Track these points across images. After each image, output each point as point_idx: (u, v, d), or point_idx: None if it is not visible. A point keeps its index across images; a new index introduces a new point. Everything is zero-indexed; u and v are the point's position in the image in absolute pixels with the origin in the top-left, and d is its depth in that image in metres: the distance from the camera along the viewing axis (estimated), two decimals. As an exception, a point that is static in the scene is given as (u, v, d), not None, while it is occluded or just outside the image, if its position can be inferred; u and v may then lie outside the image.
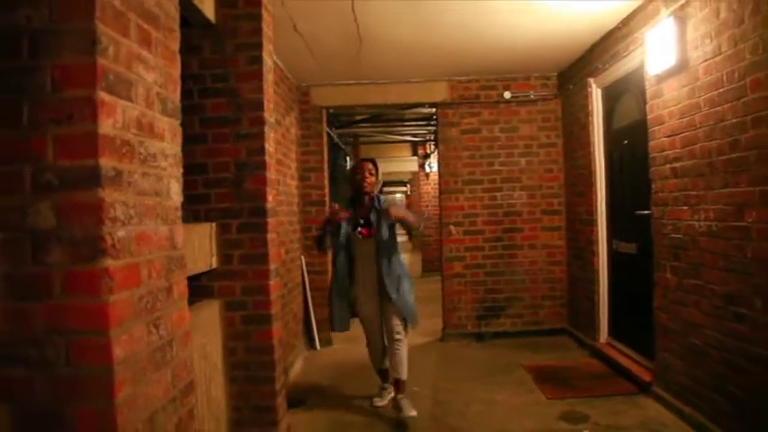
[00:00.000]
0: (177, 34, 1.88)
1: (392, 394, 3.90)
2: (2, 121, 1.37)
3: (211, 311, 2.95)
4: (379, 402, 3.96)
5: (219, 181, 3.09)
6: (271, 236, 3.12)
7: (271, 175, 3.17)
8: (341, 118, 7.61)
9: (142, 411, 1.52)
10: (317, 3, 3.53)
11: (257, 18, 3.08)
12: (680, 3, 3.25)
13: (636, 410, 3.62)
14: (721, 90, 2.91)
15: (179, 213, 1.84)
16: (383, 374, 4.05)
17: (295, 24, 3.84)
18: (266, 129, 3.10)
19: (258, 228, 3.08)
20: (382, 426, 3.60)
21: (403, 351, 3.74)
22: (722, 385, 3.00)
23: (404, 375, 3.74)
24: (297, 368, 4.84)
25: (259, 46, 3.08)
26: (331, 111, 6.00)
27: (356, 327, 4.01)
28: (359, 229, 3.78)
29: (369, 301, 3.82)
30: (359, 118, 7.79)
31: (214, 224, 3.05)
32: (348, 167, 3.86)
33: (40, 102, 1.37)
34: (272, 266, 3.15)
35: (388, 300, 3.72)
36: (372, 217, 3.79)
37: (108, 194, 1.39)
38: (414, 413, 3.59)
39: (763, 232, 2.64)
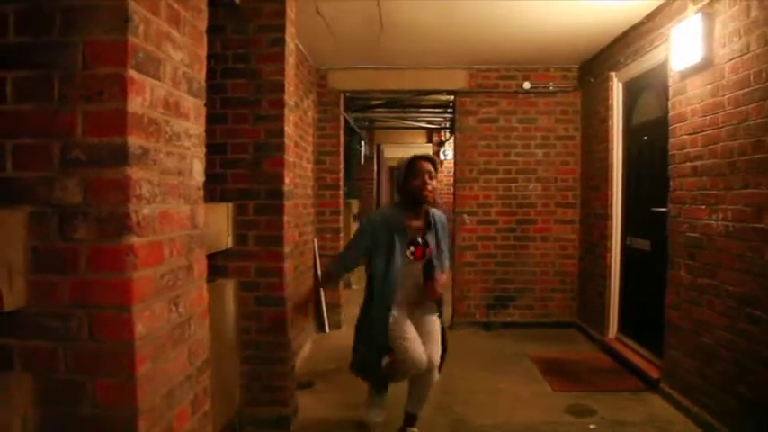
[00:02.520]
0: (205, 14, 1.88)
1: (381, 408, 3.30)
2: (32, 95, 1.39)
3: (226, 291, 2.98)
4: (377, 418, 3.28)
5: (237, 161, 3.11)
6: (287, 218, 3.15)
7: (289, 157, 3.18)
8: (356, 102, 7.58)
9: (161, 387, 1.56)
10: (340, -15, 3.52)
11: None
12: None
13: (643, 407, 3.62)
14: (747, 90, 2.87)
15: (201, 193, 1.86)
16: (386, 384, 3.29)
17: (317, 6, 3.82)
18: (286, 111, 3.11)
19: (275, 210, 3.11)
20: (398, 406, 3.62)
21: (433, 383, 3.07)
22: (731, 385, 2.99)
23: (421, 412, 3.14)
24: (306, 350, 4.88)
25: (282, 28, 3.08)
26: (348, 95, 5.98)
27: (357, 307, 3.76)
28: (411, 248, 2.99)
29: (409, 325, 3.00)
30: (375, 103, 7.76)
31: (231, 204, 3.08)
32: (403, 164, 3.02)
33: (70, 78, 1.39)
34: (287, 249, 3.18)
35: (431, 320, 3.11)
36: (429, 236, 3.04)
37: (135, 172, 1.41)
38: None
39: (781, 235, 2.62)
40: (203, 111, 1.87)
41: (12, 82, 1.39)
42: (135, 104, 1.41)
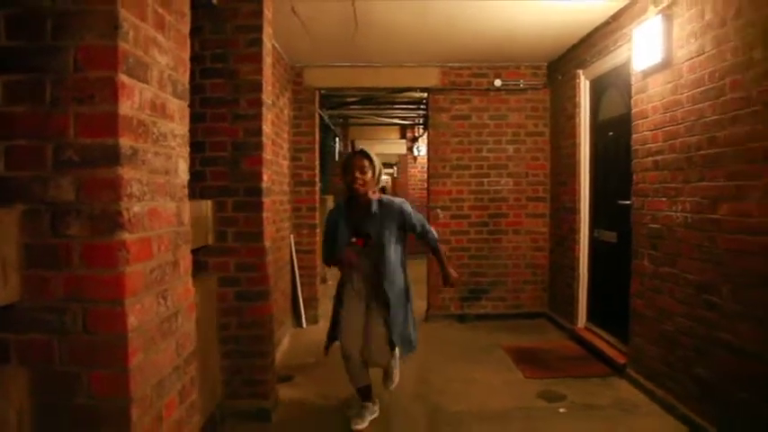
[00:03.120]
0: (188, 18, 1.95)
1: (375, 415, 3.39)
2: (25, 98, 1.45)
3: (207, 287, 3.04)
4: (360, 425, 3.28)
5: (216, 159, 3.17)
6: (266, 215, 3.22)
7: (267, 155, 3.25)
8: (332, 99, 7.65)
9: (151, 377, 1.63)
10: (315, -14, 3.58)
11: (258, 0, 3.13)
12: (668, 2, 3.36)
13: (610, 391, 3.79)
14: (703, 88, 3.04)
15: (186, 191, 1.93)
16: (365, 393, 3.39)
17: (293, 6, 3.88)
18: (264, 110, 3.18)
19: (253, 207, 3.17)
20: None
21: (397, 370, 3.51)
22: (691, 369, 3.17)
23: (394, 380, 3.55)
24: (284, 345, 4.96)
25: (259, 28, 3.14)
26: (323, 92, 6.05)
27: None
28: (353, 238, 3.24)
29: (354, 310, 3.29)
30: (350, 100, 7.85)
31: (210, 201, 3.14)
32: (341, 160, 3.19)
33: (62, 81, 1.44)
34: (267, 244, 3.26)
35: (380, 319, 3.23)
36: (369, 225, 3.22)
37: (126, 172, 1.48)
38: (394, 381, 3.53)
39: (733, 225, 2.79)
40: (187, 112, 1.93)
41: (3, 85, 1.44)
42: (125, 107, 1.47)
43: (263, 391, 3.27)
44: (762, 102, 2.57)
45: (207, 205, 3.09)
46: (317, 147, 5.85)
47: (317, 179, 5.90)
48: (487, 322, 5.72)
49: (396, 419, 3.43)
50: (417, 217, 3.36)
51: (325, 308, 6.04)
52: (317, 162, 5.89)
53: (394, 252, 3.26)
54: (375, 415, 3.39)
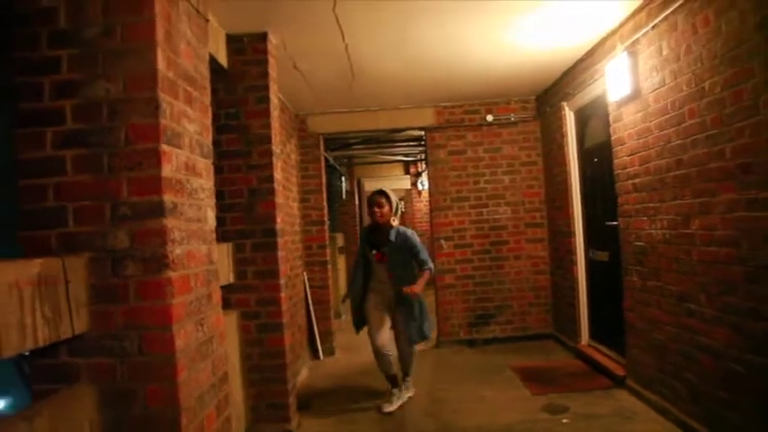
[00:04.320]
0: (209, 90, 2.33)
1: (402, 400, 4.24)
2: (88, 168, 1.81)
3: (230, 320, 3.36)
4: (388, 408, 4.12)
5: (234, 206, 3.53)
6: (281, 253, 3.56)
7: (279, 199, 3.61)
8: (336, 141, 8.06)
9: (194, 391, 1.94)
10: (315, 45, 3.98)
11: (264, 63, 3.55)
12: (632, 40, 3.73)
13: (611, 401, 4.03)
14: (667, 116, 3.38)
15: (214, 235, 2.28)
16: (393, 379, 4.28)
17: (295, 63, 4.30)
18: (274, 159, 3.55)
19: (269, 246, 3.52)
20: (386, 420, 3.98)
21: (413, 355, 4.37)
22: (680, 374, 3.42)
23: (410, 371, 4.40)
24: (303, 376, 5.22)
25: (266, 87, 3.54)
26: (326, 136, 6.46)
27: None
28: (373, 252, 4.25)
29: (377, 312, 4.22)
30: (352, 141, 8.26)
31: (230, 244, 3.48)
32: (367, 197, 4.34)
33: (116, 153, 1.81)
34: (282, 280, 3.58)
35: (399, 317, 4.19)
36: (386, 247, 4.20)
37: (169, 222, 1.83)
38: (407, 395, 4.32)
39: (704, 238, 3.09)
40: (212, 168, 2.30)
41: (71, 158, 1.81)
42: (166, 170, 1.83)
43: (285, 415, 3.56)
44: (714, 127, 2.90)
45: (228, 247, 3.43)
46: (323, 188, 6.23)
47: (326, 218, 6.26)
48: (496, 345, 5.96)
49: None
50: (422, 250, 4.26)
51: (341, 340, 6.36)
52: (325, 202, 6.26)
53: (403, 265, 4.21)
54: (402, 400, 4.22)
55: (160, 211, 1.80)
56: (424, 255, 4.25)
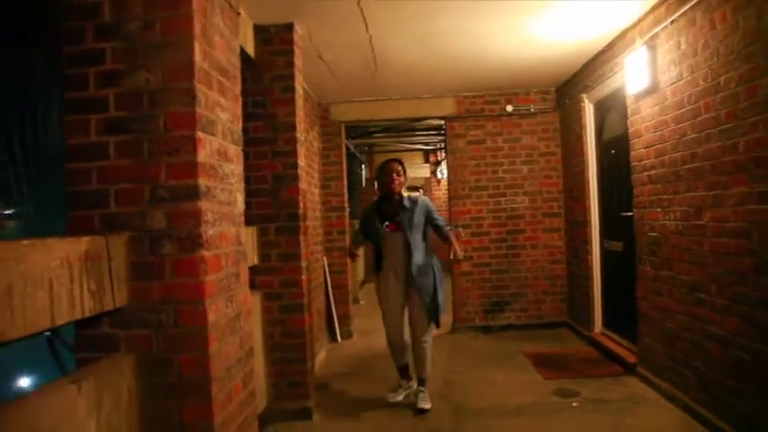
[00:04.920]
0: (239, 80, 2.46)
1: (408, 391, 4.09)
2: (129, 153, 1.95)
3: (254, 301, 3.51)
4: (395, 398, 4.05)
5: (259, 191, 3.67)
6: (302, 237, 3.70)
7: (302, 185, 3.74)
8: (357, 129, 8.18)
9: (224, 362, 2.09)
10: (339, 37, 4.09)
11: (290, 53, 3.67)
12: (651, 34, 3.77)
13: (621, 388, 4.12)
14: (683, 110, 3.43)
15: (242, 218, 2.42)
16: (403, 371, 4.14)
17: (320, 54, 4.41)
18: (298, 146, 3.68)
19: (292, 230, 3.66)
20: (400, 402, 4.12)
21: (428, 349, 3.97)
22: (689, 362, 3.50)
23: (426, 374, 4.00)
24: (320, 358, 5.39)
25: (292, 77, 3.66)
26: (348, 125, 6.58)
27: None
28: (386, 223, 3.94)
29: (393, 293, 3.95)
30: (373, 129, 8.37)
31: (255, 228, 3.63)
32: (377, 168, 4.06)
33: (155, 139, 1.95)
34: (304, 263, 3.73)
35: (416, 292, 3.86)
36: (401, 215, 3.92)
37: (203, 204, 1.97)
38: (427, 406, 3.85)
39: (715, 229, 3.16)
40: (241, 154, 2.43)
41: (113, 144, 1.95)
42: (201, 156, 1.97)
43: (304, 393, 3.72)
44: (728, 121, 2.96)
45: (253, 231, 3.58)
46: (344, 175, 6.36)
47: (346, 205, 6.39)
48: (511, 332, 6.07)
49: (423, 414, 3.82)
50: (438, 215, 4.11)
51: (358, 324, 6.52)
52: (345, 189, 6.39)
53: (419, 236, 3.94)
54: (409, 391, 4.09)
55: (195, 194, 1.94)
56: (443, 223, 4.11)
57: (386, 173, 3.98)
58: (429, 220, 4.00)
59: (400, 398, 4.07)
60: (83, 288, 1.70)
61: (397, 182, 3.95)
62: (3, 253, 1.38)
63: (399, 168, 4.00)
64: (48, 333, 2.07)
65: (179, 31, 1.96)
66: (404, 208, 3.94)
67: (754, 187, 2.79)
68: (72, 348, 2.22)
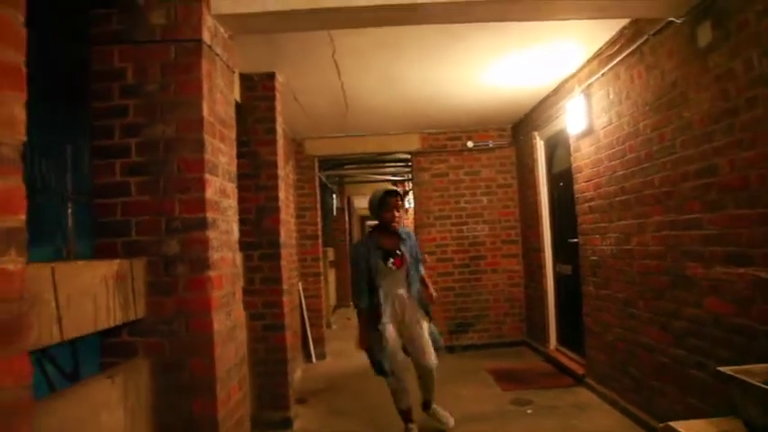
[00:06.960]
0: (234, 128, 2.90)
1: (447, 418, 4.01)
2: (147, 191, 2.37)
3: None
4: None
5: (244, 221, 4.06)
6: (283, 263, 4.11)
7: (282, 216, 4.17)
8: (329, 162, 8.64)
9: (225, 366, 2.49)
10: (315, 82, 4.58)
11: (272, 99, 4.13)
12: (587, 83, 4.37)
13: (570, 396, 4.59)
14: (614, 150, 4.00)
15: (237, 245, 2.83)
16: (407, 415, 3.88)
17: (296, 96, 4.89)
18: (279, 182, 4.11)
19: (274, 257, 4.07)
20: (375, 413, 4.48)
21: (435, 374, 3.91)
22: (626, 369, 4.00)
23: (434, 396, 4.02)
24: (297, 376, 5.73)
25: (273, 120, 4.12)
26: (321, 158, 7.04)
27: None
28: (391, 260, 3.75)
29: (392, 334, 3.76)
30: (344, 161, 8.85)
31: (241, 254, 4.02)
32: (375, 198, 3.80)
33: (170, 180, 2.37)
34: (285, 286, 4.13)
35: (416, 323, 3.80)
36: (402, 248, 3.82)
37: (210, 233, 2.39)
38: (452, 422, 4.00)
39: (640, 253, 3.69)
40: (236, 191, 2.86)
41: (134, 183, 2.37)
42: (209, 193, 2.40)
43: (285, 404, 4.08)
44: (647, 161, 3.52)
45: (240, 257, 3.97)
46: (318, 205, 6.80)
47: (320, 233, 6.82)
48: (474, 351, 6.52)
49: (396, 425, 4.20)
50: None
51: (332, 347, 6.88)
52: (319, 218, 6.82)
53: (414, 266, 3.89)
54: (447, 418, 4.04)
55: (204, 225, 2.36)
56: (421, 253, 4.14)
57: (389, 208, 3.78)
58: (415, 253, 3.95)
59: None
60: (115, 301, 2.09)
61: (398, 218, 3.81)
62: (65, 271, 1.78)
63: (401, 204, 3.85)
64: (37, 352, 2.35)
65: (190, 91, 2.40)
66: (402, 240, 3.85)
67: (668, 216, 3.33)
68: (59, 367, 2.61)
